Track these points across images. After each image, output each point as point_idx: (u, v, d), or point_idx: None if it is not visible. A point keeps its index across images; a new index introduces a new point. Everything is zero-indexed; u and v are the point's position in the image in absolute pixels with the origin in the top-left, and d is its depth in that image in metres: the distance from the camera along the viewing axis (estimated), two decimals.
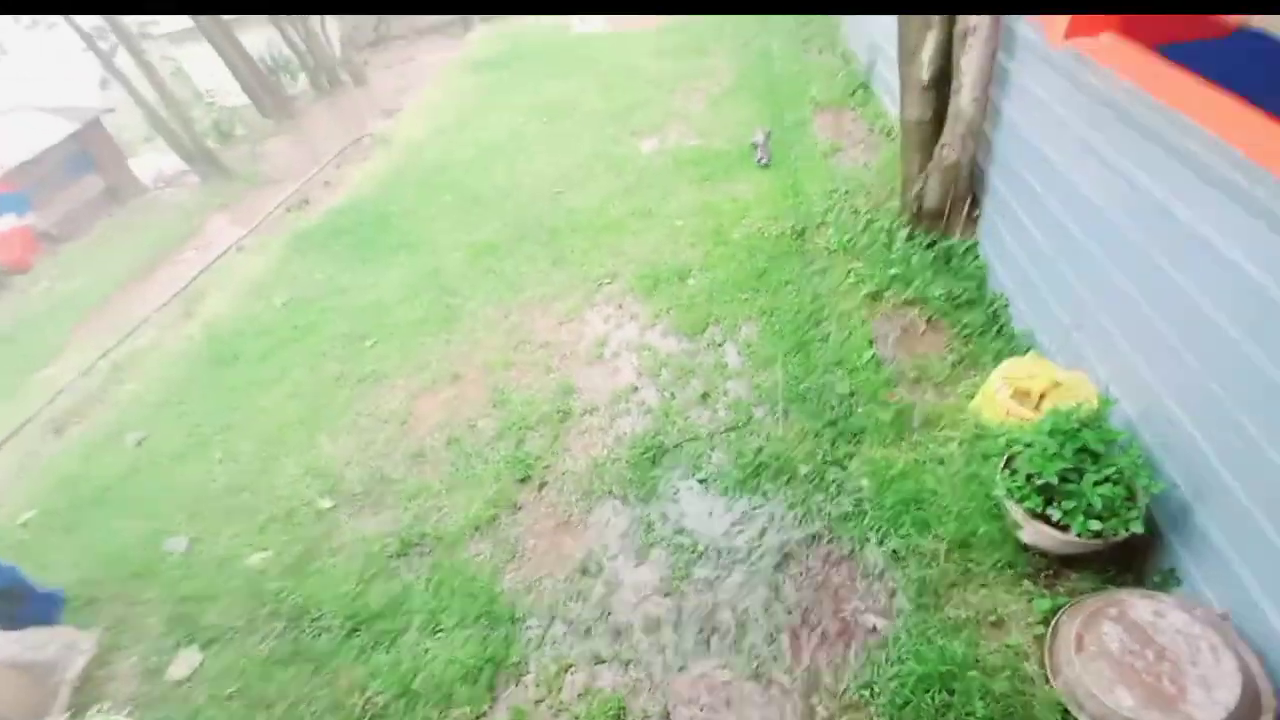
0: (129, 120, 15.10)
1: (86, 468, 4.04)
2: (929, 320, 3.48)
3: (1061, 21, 2.64)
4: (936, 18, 3.30)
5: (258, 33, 14.18)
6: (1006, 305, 3.33)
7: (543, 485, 3.21)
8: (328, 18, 14.66)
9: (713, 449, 3.17)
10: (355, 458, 3.63)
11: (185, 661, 2.65)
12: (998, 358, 3.08)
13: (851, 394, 3.21)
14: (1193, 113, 2.02)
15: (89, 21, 10.91)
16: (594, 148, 6.68)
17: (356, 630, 2.68)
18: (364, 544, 3.08)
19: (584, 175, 6.17)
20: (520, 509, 3.12)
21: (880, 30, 5.37)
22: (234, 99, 14.46)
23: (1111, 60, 2.42)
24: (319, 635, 2.69)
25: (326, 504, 3.37)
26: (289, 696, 2.48)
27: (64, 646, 2.55)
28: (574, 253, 4.99)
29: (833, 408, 3.17)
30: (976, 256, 3.61)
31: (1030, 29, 2.94)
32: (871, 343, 3.43)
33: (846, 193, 4.60)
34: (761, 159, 5.40)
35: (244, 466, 3.76)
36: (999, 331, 3.27)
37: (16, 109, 12.72)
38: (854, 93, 5.97)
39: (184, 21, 12.87)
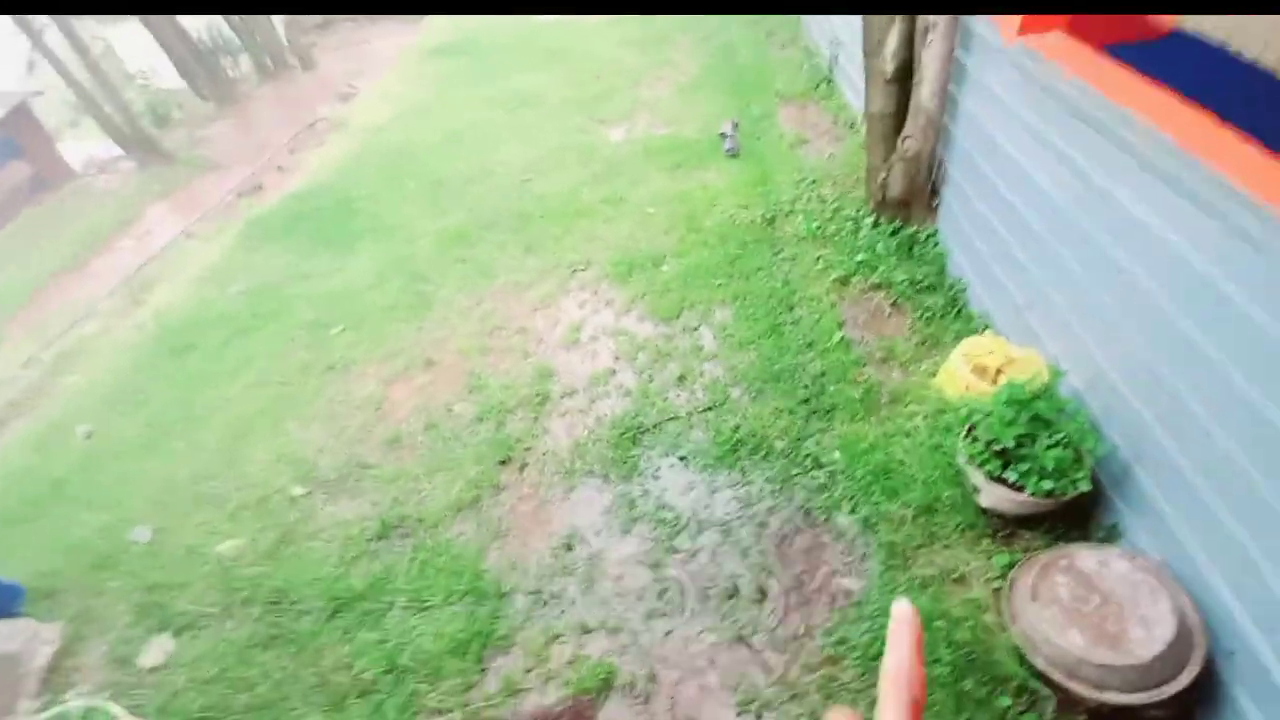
0: (55, 104, 14.14)
1: (36, 461, 3.83)
2: (894, 304, 3.66)
3: (1014, 19, 2.82)
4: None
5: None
6: (965, 289, 3.53)
7: (524, 466, 3.24)
8: None
9: (691, 428, 3.26)
10: (328, 445, 3.57)
11: (158, 649, 2.58)
12: (957, 337, 3.27)
13: (823, 373, 3.35)
14: (1131, 105, 2.21)
15: None
16: (561, 136, 6.67)
17: (339, 611, 2.65)
18: (342, 528, 3.04)
19: (552, 163, 6.17)
20: (502, 489, 3.14)
21: (842, 25, 5.56)
22: (169, 81, 13.68)
23: (1059, 56, 2.60)
24: (300, 617, 2.65)
25: (300, 490, 3.30)
26: (272, 677, 2.45)
27: (28, 638, 2.44)
28: (546, 239, 5.00)
29: (805, 386, 3.31)
30: (937, 243, 3.81)
31: (986, 27, 3.12)
32: (841, 325, 3.59)
33: (813, 182, 4.76)
34: (730, 148, 5.51)
35: (209, 456, 3.64)
36: (958, 313, 3.47)
37: None
38: (817, 86, 6.15)
39: None
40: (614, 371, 3.69)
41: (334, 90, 12.00)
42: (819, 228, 4.28)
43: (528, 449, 3.31)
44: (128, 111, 11.31)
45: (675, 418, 3.32)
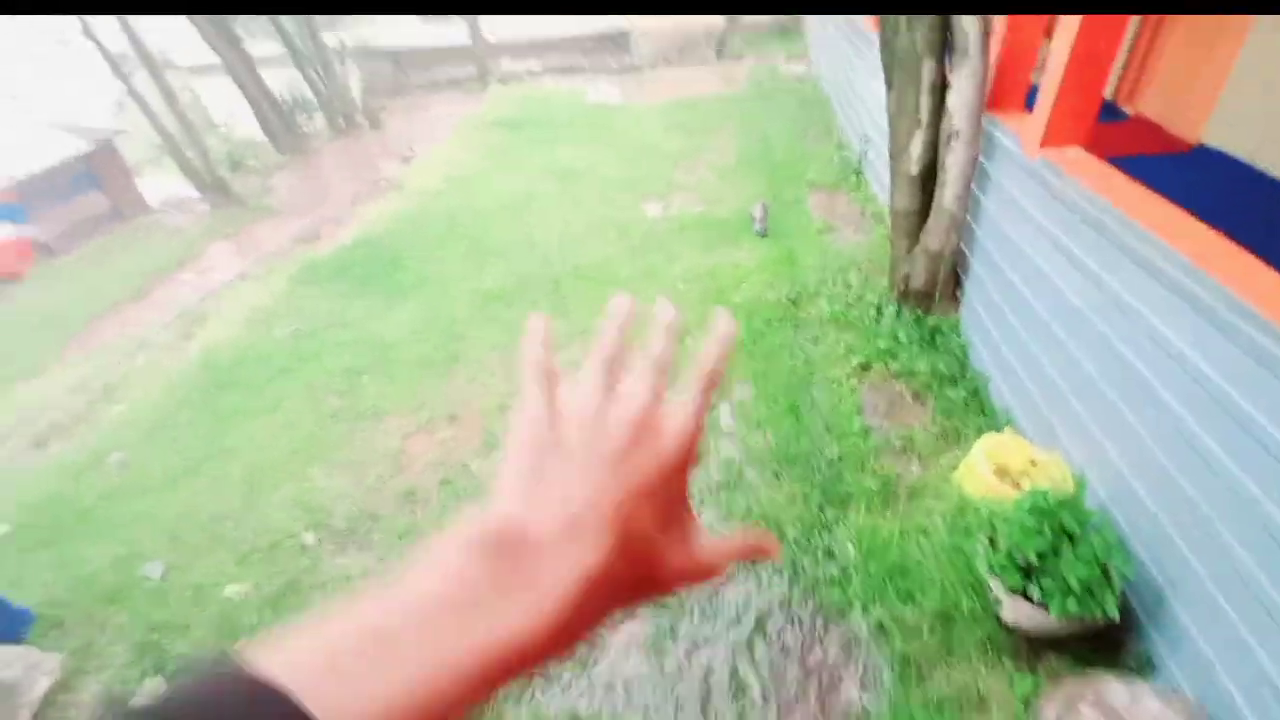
0: (140, 143, 15.46)
1: (68, 485, 3.97)
2: (915, 394, 3.63)
3: (1036, 134, 2.93)
4: (925, 119, 3.61)
5: (278, 73, 14.79)
6: (987, 382, 3.50)
7: None
8: (349, 63, 15.32)
9: (702, 506, 3.22)
10: (345, 492, 3.62)
11: (150, 694, 2.55)
12: (978, 432, 3.21)
13: (840, 459, 3.30)
14: (1146, 221, 2.25)
15: (113, 45, 11.37)
16: (603, 210, 6.98)
17: None
18: (347, 581, 3.04)
19: (593, 235, 6.43)
20: None
21: (872, 123, 5.80)
22: (247, 131, 14.90)
23: (1078, 171, 2.68)
24: None
25: (311, 539, 3.33)
26: None
27: (28, 667, 2.46)
28: (579, 306, 5.15)
29: (821, 472, 3.26)
30: (959, 336, 3.81)
31: (1008, 139, 3.24)
32: (860, 411, 3.56)
33: (839, 268, 4.86)
34: (759, 229, 5.69)
35: (230, 496, 3.72)
36: (980, 408, 3.42)
37: (33, 125, 13.04)
38: (847, 178, 6.37)
39: (208, 56, 13.41)
40: None
41: (396, 152, 12.86)
42: (842, 312, 4.32)
43: None
44: (206, 157, 12.28)
45: None
